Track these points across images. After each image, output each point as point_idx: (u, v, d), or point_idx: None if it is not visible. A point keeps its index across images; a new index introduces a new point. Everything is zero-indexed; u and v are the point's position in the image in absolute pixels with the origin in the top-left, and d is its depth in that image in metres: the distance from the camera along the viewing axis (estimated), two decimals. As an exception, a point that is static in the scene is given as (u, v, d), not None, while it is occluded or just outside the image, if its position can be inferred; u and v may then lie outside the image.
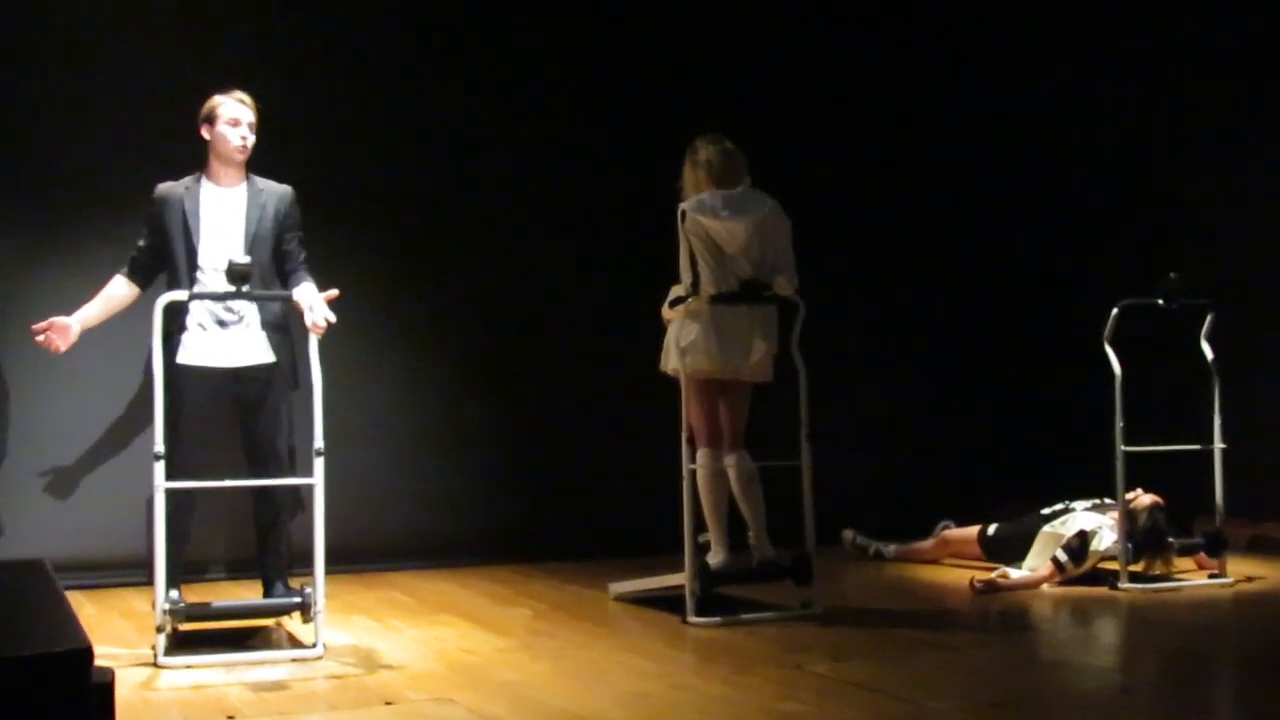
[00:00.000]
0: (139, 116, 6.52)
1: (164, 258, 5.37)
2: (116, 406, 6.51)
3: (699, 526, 5.62)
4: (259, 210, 5.40)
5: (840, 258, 7.78)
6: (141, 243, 5.45)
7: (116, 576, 6.36)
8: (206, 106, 5.39)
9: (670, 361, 5.79)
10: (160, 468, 4.79)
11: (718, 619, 5.41)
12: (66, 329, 5.35)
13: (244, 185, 5.43)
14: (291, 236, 5.47)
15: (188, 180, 5.41)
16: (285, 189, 5.50)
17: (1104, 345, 6.34)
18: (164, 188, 5.40)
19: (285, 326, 5.44)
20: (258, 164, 5.48)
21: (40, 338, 5.33)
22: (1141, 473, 6.29)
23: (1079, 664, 4.92)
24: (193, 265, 5.29)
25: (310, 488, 4.94)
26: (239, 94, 5.40)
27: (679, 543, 5.49)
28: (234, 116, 5.35)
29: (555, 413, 7.43)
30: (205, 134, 5.39)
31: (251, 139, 5.39)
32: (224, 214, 5.36)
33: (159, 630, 4.73)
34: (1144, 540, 6.26)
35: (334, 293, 5.20)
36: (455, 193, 7.32)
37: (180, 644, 4.87)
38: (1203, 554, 6.52)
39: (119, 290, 5.48)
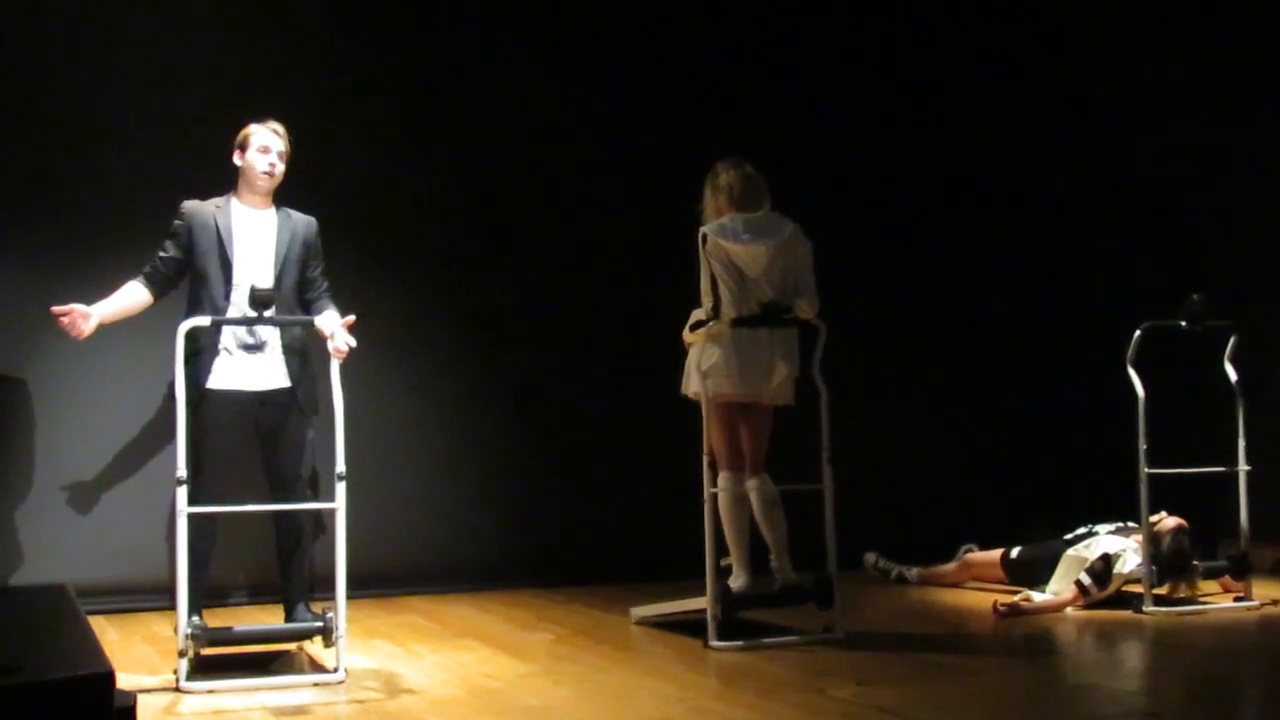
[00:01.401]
0: (167, 139, 6.56)
1: (194, 273, 5.36)
2: (139, 431, 6.53)
3: (721, 550, 5.61)
4: (289, 235, 5.45)
5: (861, 281, 7.78)
6: (165, 254, 5.41)
7: (139, 601, 6.37)
8: (241, 134, 5.45)
9: (691, 385, 5.79)
10: (183, 492, 4.79)
11: (740, 643, 5.40)
12: (87, 316, 5.25)
13: (273, 210, 5.49)
14: (316, 264, 5.54)
15: (218, 200, 5.44)
16: (310, 219, 5.56)
17: (1127, 368, 6.32)
18: (192, 204, 5.42)
19: (305, 352, 5.46)
20: (278, 188, 5.50)
21: (65, 319, 5.21)
22: (1165, 495, 6.26)
23: (1103, 688, 4.89)
24: (228, 282, 5.31)
25: (332, 512, 4.95)
26: (273, 124, 5.46)
27: (700, 566, 5.48)
28: (264, 144, 5.40)
29: (576, 437, 7.42)
30: (237, 160, 5.44)
31: (280, 167, 5.44)
32: (257, 236, 5.41)
33: (181, 655, 4.73)
34: (1168, 563, 6.23)
35: (351, 318, 5.23)
36: (476, 217, 7.34)
37: (202, 669, 4.87)
38: (1228, 576, 6.49)
39: (139, 295, 5.42)
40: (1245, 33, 7.67)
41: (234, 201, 5.44)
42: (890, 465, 7.89)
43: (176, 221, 5.41)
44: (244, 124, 5.47)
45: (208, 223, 5.37)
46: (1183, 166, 7.94)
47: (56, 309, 5.22)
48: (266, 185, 5.43)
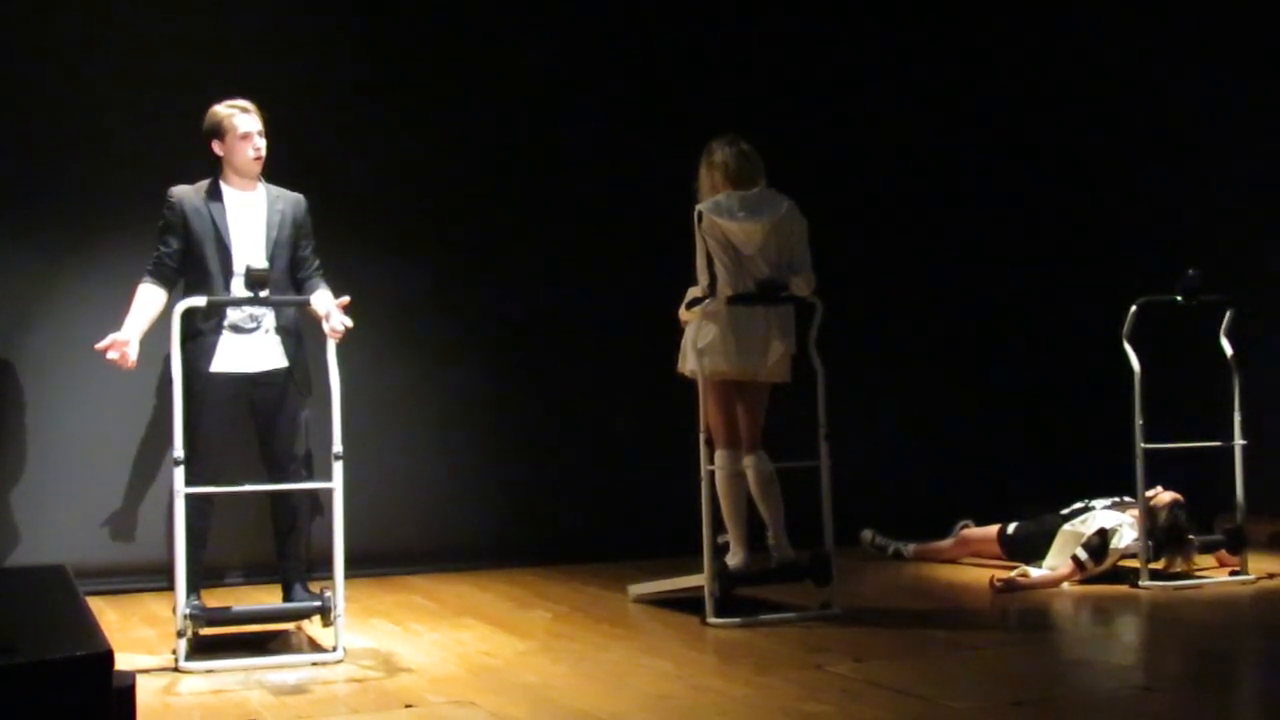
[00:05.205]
0: (153, 124, 6.52)
1: (194, 262, 5.31)
2: (136, 412, 6.52)
3: (718, 528, 5.62)
4: (279, 216, 5.41)
5: (857, 258, 7.78)
6: (166, 248, 5.32)
7: (137, 582, 6.38)
8: (211, 121, 5.34)
9: (688, 363, 5.78)
10: (180, 473, 4.79)
11: (737, 620, 5.41)
12: (128, 342, 5.15)
13: (262, 191, 5.44)
14: (306, 243, 5.49)
15: (205, 185, 5.38)
16: (299, 197, 5.51)
17: (1123, 342, 6.32)
18: (180, 191, 5.35)
19: (299, 332, 5.45)
20: (271, 169, 5.47)
21: (115, 355, 5.11)
22: (1161, 470, 6.27)
23: (1100, 663, 4.90)
24: (227, 270, 5.27)
25: (329, 492, 4.95)
26: (242, 103, 5.35)
27: (698, 544, 5.49)
28: (244, 132, 5.31)
29: (573, 415, 7.43)
30: (217, 149, 5.34)
31: (264, 144, 5.38)
32: (247, 219, 5.37)
33: (180, 635, 4.74)
34: (1164, 538, 6.24)
35: (345, 299, 5.20)
36: (469, 195, 7.32)
37: (201, 649, 4.88)
38: (1224, 551, 6.50)
39: (157, 298, 5.32)
40: (1237, 6, 7.65)
41: (222, 186, 5.38)
42: (887, 442, 7.90)
43: (168, 212, 5.33)
44: (208, 107, 5.37)
45: (200, 209, 5.31)
46: (1179, 141, 7.93)
47: (99, 345, 5.12)
48: (256, 169, 5.38)
